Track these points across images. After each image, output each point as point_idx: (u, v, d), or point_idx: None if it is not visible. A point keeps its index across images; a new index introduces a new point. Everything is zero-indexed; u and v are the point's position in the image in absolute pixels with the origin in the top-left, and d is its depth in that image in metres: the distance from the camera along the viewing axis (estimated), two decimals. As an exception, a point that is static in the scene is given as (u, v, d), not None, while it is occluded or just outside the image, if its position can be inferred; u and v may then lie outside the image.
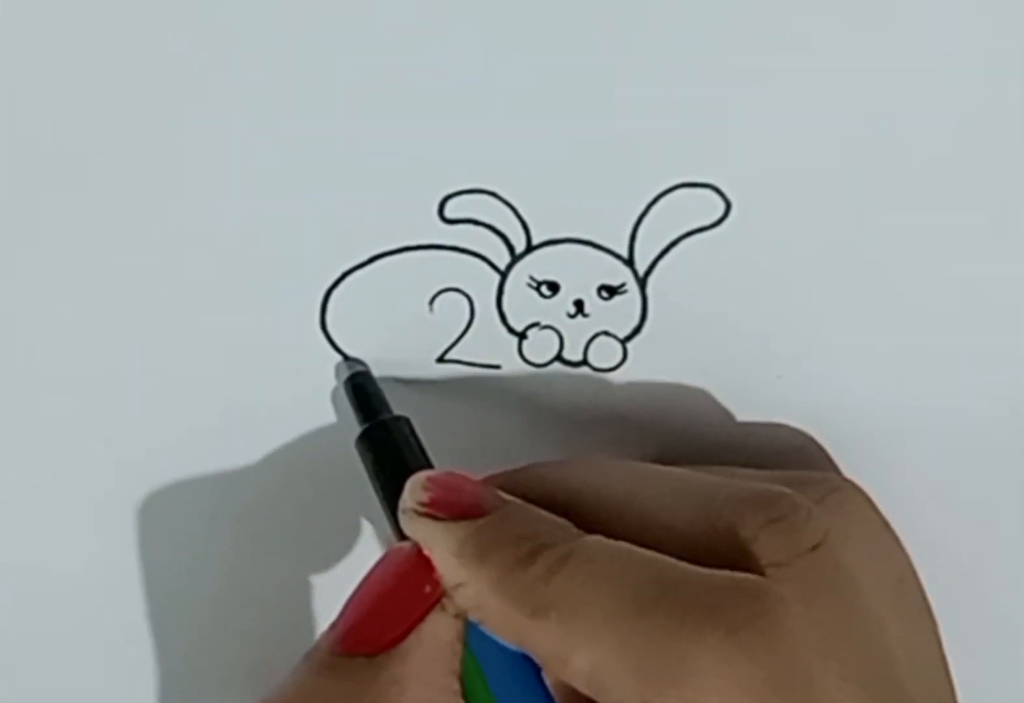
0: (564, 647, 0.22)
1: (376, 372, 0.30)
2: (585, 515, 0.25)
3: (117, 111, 0.29)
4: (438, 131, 0.29)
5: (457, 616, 0.24)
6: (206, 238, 0.30)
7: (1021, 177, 0.30)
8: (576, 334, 0.30)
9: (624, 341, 0.30)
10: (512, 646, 0.24)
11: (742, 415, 0.31)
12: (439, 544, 0.24)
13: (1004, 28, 0.29)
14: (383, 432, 0.28)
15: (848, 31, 0.29)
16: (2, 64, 0.29)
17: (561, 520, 0.24)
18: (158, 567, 0.31)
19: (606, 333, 0.30)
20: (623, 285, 0.30)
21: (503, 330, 0.30)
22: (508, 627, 0.23)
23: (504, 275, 0.30)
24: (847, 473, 0.30)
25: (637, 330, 0.30)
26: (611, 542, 0.23)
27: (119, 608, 0.31)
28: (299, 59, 0.29)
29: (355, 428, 0.29)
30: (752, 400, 0.30)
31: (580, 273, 0.30)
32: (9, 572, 0.31)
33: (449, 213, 0.30)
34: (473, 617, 0.24)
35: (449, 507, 0.25)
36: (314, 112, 0.29)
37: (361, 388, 0.29)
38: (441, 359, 0.30)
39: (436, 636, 0.24)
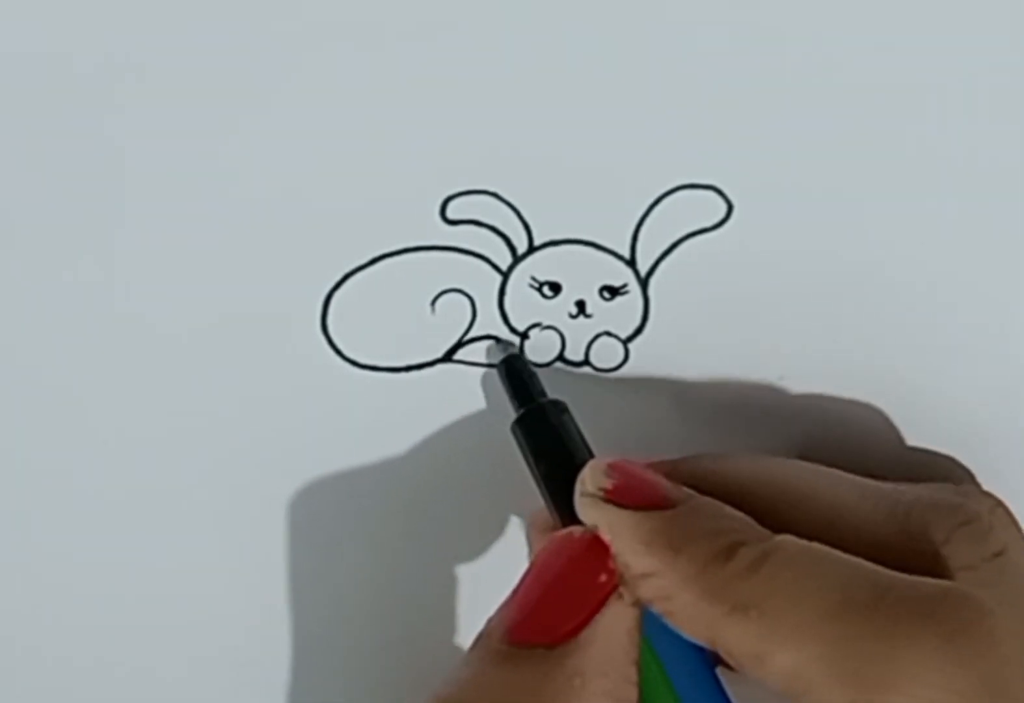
0: (763, 646, 0.22)
1: (376, 373, 0.30)
2: (762, 510, 0.24)
3: (118, 113, 0.29)
4: (440, 132, 0.30)
5: (634, 604, 0.24)
6: (206, 240, 0.30)
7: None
8: (578, 334, 0.30)
9: (626, 342, 0.30)
10: (694, 640, 0.23)
11: (744, 416, 0.30)
12: (625, 532, 0.24)
13: (1004, 30, 0.29)
14: (541, 416, 0.27)
15: (849, 33, 0.29)
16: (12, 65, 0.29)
17: (747, 517, 0.24)
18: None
19: (608, 333, 0.30)
20: (625, 286, 0.30)
21: (505, 330, 0.30)
22: (699, 622, 0.23)
23: (506, 276, 0.30)
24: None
25: (639, 331, 0.30)
26: (806, 542, 0.23)
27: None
28: (302, 61, 0.29)
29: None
30: (754, 401, 0.30)
31: (582, 274, 0.30)
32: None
33: (451, 214, 0.30)
34: (658, 609, 0.23)
35: (634, 495, 0.24)
36: (315, 114, 0.29)
37: (516, 371, 0.29)
38: (444, 360, 0.30)
39: (615, 626, 0.23)
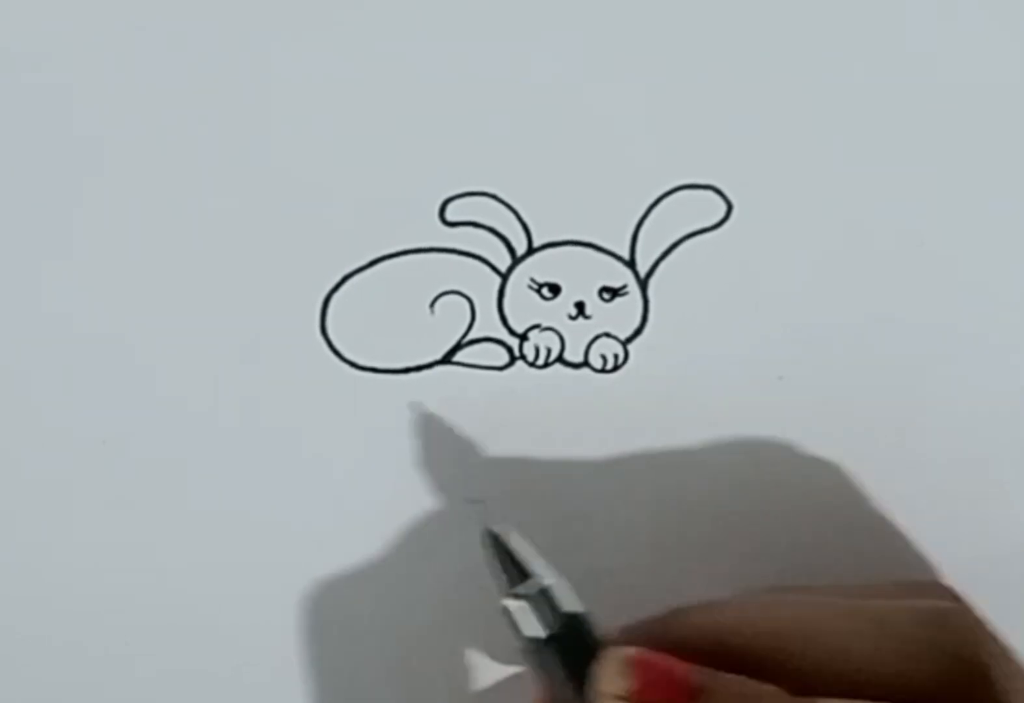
0: None
1: (375, 375, 0.30)
2: (760, 661, 0.24)
3: (118, 114, 0.29)
4: (439, 134, 0.30)
5: None
6: (205, 242, 0.30)
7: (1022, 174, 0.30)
8: (577, 336, 0.30)
9: (625, 343, 0.30)
10: None
11: (743, 417, 0.30)
12: None
13: (1003, 31, 0.29)
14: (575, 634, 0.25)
15: (848, 34, 0.29)
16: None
17: (774, 688, 0.24)
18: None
19: (607, 335, 0.30)
20: (624, 287, 0.30)
21: (504, 332, 0.30)
22: None
23: (505, 277, 0.30)
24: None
25: (638, 331, 0.30)
26: (838, 700, 0.23)
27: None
28: (300, 63, 0.29)
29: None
30: (753, 402, 0.30)
31: (581, 275, 0.30)
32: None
33: (450, 216, 0.30)
34: None
35: (659, 691, 0.24)
36: (314, 116, 0.30)
37: (507, 552, 0.26)
38: (443, 361, 0.30)
39: None
